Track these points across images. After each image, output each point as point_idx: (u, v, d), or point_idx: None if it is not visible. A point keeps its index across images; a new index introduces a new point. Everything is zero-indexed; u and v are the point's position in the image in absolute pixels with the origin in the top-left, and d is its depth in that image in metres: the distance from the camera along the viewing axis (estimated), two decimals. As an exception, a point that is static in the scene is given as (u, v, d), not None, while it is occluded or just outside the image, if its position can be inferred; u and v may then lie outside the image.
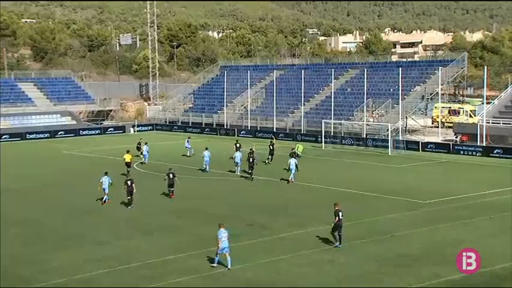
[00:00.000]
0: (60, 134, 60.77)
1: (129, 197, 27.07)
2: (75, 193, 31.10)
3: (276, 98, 59.61)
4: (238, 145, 40.60)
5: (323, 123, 50.45)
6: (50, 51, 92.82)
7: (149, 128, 68.05)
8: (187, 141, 43.91)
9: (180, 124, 67.81)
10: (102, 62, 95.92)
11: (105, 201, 27.84)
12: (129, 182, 27.34)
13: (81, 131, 62.62)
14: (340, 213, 20.28)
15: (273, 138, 48.11)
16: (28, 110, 65.49)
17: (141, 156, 40.72)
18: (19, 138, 57.69)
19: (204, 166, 36.37)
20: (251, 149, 36.19)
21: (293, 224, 23.65)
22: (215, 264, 18.49)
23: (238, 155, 35.14)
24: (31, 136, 58.63)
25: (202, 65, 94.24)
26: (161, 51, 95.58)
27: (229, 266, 18.22)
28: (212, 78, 76.72)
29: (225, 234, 18.46)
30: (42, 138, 58.98)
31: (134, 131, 65.79)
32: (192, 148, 42.89)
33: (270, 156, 38.78)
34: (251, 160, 33.93)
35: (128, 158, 35.61)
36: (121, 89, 78.60)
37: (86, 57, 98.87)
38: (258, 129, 59.99)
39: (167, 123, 69.43)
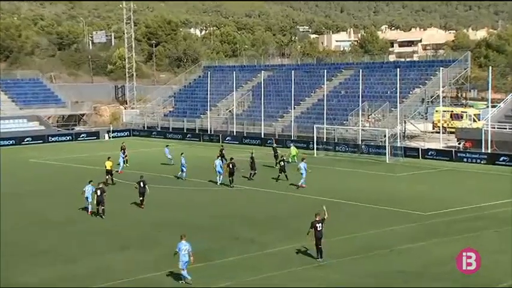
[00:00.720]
0: (27, 141, 60.35)
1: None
2: (44, 205, 30.92)
3: (264, 101, 59.74)
4: (221, 153, 41.25)
5: (315, 128, 50.62)
6: (16, 50, 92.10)
7: (126, 133, 67.79)
8: (166, 150, 43.70)
9: (159, 129, 67.65)
10: (73, 61, 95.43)
11: (90, 210, 28.40)
12: (98, 191, 27.91)
13: (50, 138, 62.24)
14: (319, 225, 20.53)
15: (274, 145, 46.40)
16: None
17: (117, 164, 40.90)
18: (-19, 146, 57.22)
19: (180, 173, 37.20)
20: (251, 153, 36.82)
21: (283, 238, 23.70)
22: (183, 281, 18.53)
23: (218, 163, 35.58)
24: (-5, 143, 58.27)
25: (184, 66, 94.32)
26: (138, 50, 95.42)
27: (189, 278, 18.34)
28: (194, 80, 76.69)
29: (185, 247, 18.55)
30: (7, 145, 58.47)
31: (109, 137, 65.54)
32: (171, 158, 42.52)
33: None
34: (252, 165, 35.93)
35: (108, 165, 35.95)
36: (94, 92, 78.36)
37: (55, 57, 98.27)
38: (245, 135, 60.03)
39: (145, 128, 69.25)
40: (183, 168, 37.36)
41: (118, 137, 65.50)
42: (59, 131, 67.11)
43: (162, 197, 32.52)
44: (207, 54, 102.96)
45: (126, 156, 42.27)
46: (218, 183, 35.24)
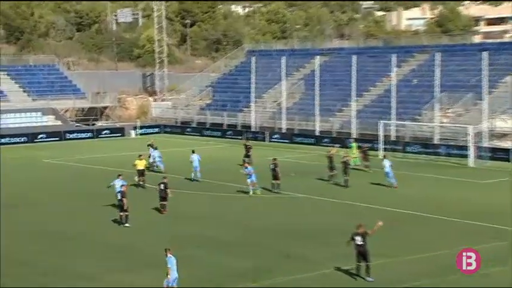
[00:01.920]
0: (41, 138, 61.82)
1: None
2: (57, 214, 31.47)
3: (319, 92, 59.57)
4: (246, 150, 44.16)
5: (381, 124, 50.14)
6: (27, 31, 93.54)
7: (155, 130, 68.70)
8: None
9: (194, 125, 68.22)
10: (94, 45, 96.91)
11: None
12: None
13: (67, 134, 63.59)
14: (358, 238, 20.98)
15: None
16: (5, 108, 66.26)
17: (153, 164, 41.97)
18: (-12, 143, 58.91)
19: (193, 175, 38.54)
20: (274, 159, 36.71)
21: (339, 256, 23.48)
22: None
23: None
24: (3, 140, 59.65)
25: (224, 50, 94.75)
26: (170, 31, 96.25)
27: None
28: (236, 67, 76.95)
29: (175, 261, 19.38)
30: (18, 143, 60.02)
31: (136, 134, 66.48)
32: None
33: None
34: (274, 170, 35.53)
35: (140, 164, 36.55)
36: (119, 80, 79.37)
37: (73, 39, 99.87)
38: (296, 132, 60.02)
39: (178, 124, 69.95)
40: (196, 169, 38.51)
41: (146, 134, 66.27)
42: (77, 126, 68.48)
43: (192, 205, 32.83)
44: (251, 35, 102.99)
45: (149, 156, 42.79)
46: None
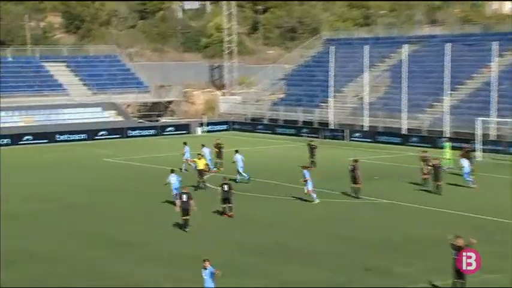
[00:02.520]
0: (102, 135, 63.33)
1: (185, 217, 28.51)
2: (115, 217, 32.01)
3: (407, 85, 58.77)
4: (314, 146, 44.49)
5: (478, 122, 49.02)
6: (88, 20, 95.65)
7: (223, 127, 69.38)
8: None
9: (266, 122, 68.45)
10: (158, 34, 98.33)
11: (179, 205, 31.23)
12: (184, 196, 28.44)
13: (129, 131, 64.94)
14: (454, 252, 20.18)
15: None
16: (58, 101, 68.82)
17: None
18: (46, 140, 60.68)
19: (238, 177, 39.41)
20: (354, 160, 36.18)
21: (431, 270, 22.97)
22: None
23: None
24: (61, 137, 61.55)
25: (299, 39, 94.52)
26: (240, 18, 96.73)
27: None
28: (313, 57, 76.77)
29: (210, 273, 19.62)
30: (77, 140, 61.72)
31: (202, 131, 67.18)
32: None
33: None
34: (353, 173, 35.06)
35: (200, 164, 36.93)
36: (185, 73, 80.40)
37: (136, 28, 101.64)
38: (380, 130, 59.36)
39: (248, 120, 70.27)
40: (240, 169, 39.24)
41: (213, 131, 67.06)
42: (140, 122, 69.83)
43: (260, 209, 32.92)
44: (330, 22, 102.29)
45: (220, 157, 43.28)
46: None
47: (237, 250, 26.11)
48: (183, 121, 71.25)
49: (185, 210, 28.45)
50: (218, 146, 44.40)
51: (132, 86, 74.27)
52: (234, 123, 69.91)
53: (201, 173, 37.27)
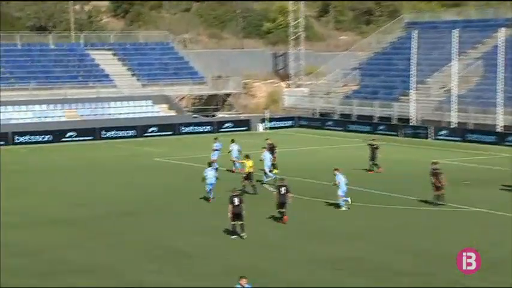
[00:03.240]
0: (152, 132, 64.10)
1: (239, 222, 28.94)
2: (170, 225, 32.22)
3: (503, 75, 57.83)
4: (375, 146, 44.06)
5: None
6: (138, 2, 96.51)
7: (288, 123, 69.36)
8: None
9: (337, 118, 68.22)
10: (215, 18, 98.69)
11: (211, 198, 35.29)
12: (236, 200, 28.74)
13: (183, 128, 65.53)
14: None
15: None
16: (104, 94, 69.81)
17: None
18: (90, 137, 61.66)
19: (265, 177, 40.14)
20: (434, 163, 35.74)
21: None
22: None
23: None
24: (108, 134, 62.46)
25: (376, 22, 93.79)
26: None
27: None
28: (391, 43, 76.19)
29: None
30: (125, 137, 62.54)
31: (265, 128, 67.29)
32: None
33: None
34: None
35: (249, 165, 36.93)
36: (245, 62, 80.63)
37: (191, 11, 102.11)
38: (470, 127, 58.74)
39: (316, 116, 70.11)
40: (266, 168, 39.87)
41: (277, 127, 67.12)
42: (195, 118, 70.35)
43: (328, 217, 32.72)
44: (412, 3, 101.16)
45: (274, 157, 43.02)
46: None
47: (308, 265, 25.86)
48: (243, 116, 71.50)
49: (237, 215, 28.70)
50: (271, 147, 43.54)
51: (186, 77, 74.87)
52: (300, 118, 69.82)
53: (248, 176, 37.12)
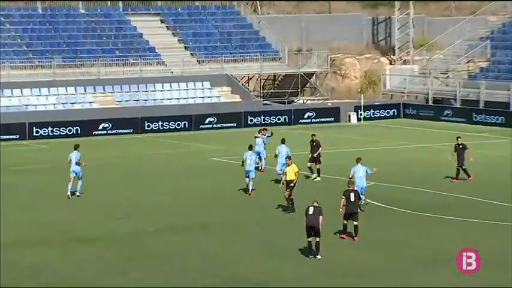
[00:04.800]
0: (209, 123, 64.45)
1: (311, 239, 29.18)
2: (231, 247, 32.31)
3: None
4: (461, 146, 42.53)
5: None
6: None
7: (391, 112, 69.00)
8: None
9: (457, 105, 67.53)
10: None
11: (251, 190, 38.84)
12: (310, 209, 29.07)
13: (250, 118, 65.57)
14: None
15: None
16: (148, 73, 70.05)
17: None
18: (130, 130, 62.29)
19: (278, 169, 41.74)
20: None
21: None
22: None
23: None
24: (152, 126, 62.94)
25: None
26: None
27: None
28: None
29: None
30: (174, 129, 62.98)
31: (359, 119, 67.03)
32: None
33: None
34: None
35: (291, 171, 36.39)
36: (333, 30, 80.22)
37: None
38: None
39: (430, 103, 69.53)
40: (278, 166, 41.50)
41: (375, 118, 66.98)
42: (266, 105, 70.25)
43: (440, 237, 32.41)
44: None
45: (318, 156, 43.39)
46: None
47: None
48: (330, 103, 71.21)
49: (312, 229, 28.83)
50: (315, 145, 43.74)
51: (255, 51, 74.47)
52: (406, 106, 69.38)
53: (288, 184, 36.42)
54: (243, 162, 39.80)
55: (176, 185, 43.96)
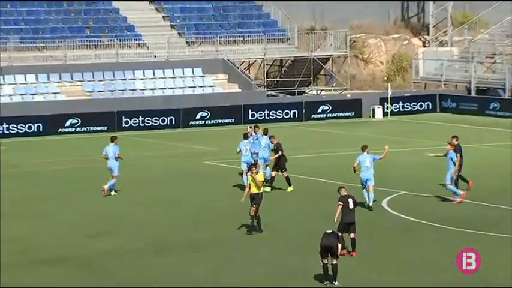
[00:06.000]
0: (201, 118, 65.22)
1: (326, 261, 29.11)
2: (230, 267, 32.62)
3: None
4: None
5: None
6: None
7: (425, 105, 69.68)
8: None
9: (507, 97, 68.02)
10: None
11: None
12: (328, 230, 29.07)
13: (251, 111, 66.29)
14: None
15: None
16: (127, 57, 70.40)
17: None
18: (104, 127, 62.85)
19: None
20: None
21: None
22: None
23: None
24: (131, 122, 63.87)
25: None
26: None
27: None
28: None
29: None
30: (158, 127, 63.78)
31: (385, 114, 67.51)
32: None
33: None
34: None
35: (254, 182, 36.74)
36: (353, 5, 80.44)
37: None
38: None
39: (472, 94, 70.03)
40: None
41: (405, 113, 67.61)
42: (270, 96, 70.83)
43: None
44: None
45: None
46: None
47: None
48: (350, 94, 71.63)
49: (328, 249, 28.94)
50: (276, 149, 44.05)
51: (257, 30, 75.18)
52: (444, 98, 69.99)
53: (253, 198, 36.64)
54: (238, 151, 42.93)
55: (160, 195, 44.16)
